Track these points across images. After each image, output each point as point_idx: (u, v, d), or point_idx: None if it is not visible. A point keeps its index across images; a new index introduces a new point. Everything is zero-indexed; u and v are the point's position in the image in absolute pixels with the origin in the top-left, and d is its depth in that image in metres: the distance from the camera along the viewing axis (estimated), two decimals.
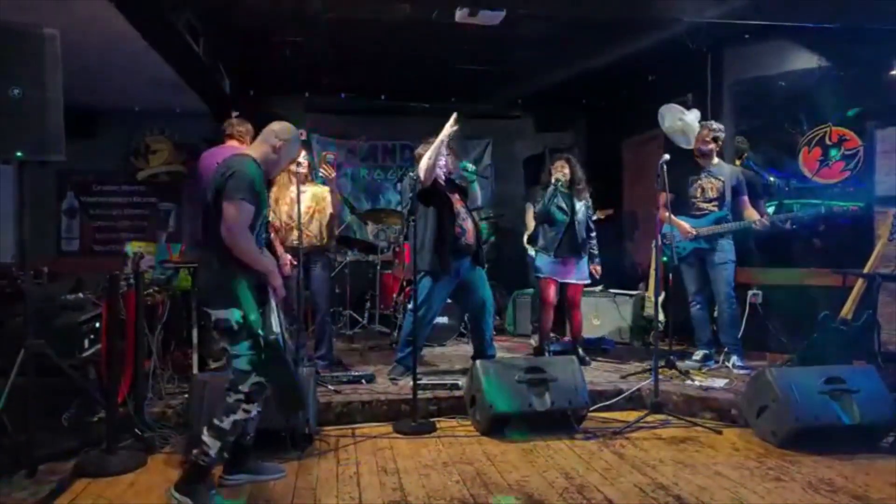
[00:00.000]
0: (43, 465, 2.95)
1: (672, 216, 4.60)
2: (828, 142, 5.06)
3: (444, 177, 4.38)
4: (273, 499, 2.74)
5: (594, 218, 4.98)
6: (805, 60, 5.20)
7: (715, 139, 4.74)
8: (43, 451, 2.99)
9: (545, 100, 7.55)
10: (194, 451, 2.60)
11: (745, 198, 4.74)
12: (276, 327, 2.67)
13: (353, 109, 7.56)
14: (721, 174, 4.76)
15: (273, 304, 2.73)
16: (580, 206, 4.79)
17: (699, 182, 4.80)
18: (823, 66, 5.11)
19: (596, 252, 4.87)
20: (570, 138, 7.92)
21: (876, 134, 4.84)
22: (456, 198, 4.42)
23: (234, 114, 4.87)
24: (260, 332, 2.57)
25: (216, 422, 2.60)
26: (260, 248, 2.73)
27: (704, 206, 4.77)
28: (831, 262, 4.75)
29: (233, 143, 4.43)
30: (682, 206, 4.80)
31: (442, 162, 4.29)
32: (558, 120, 7.92)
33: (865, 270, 4.32)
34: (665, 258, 4.80)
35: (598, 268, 4.89)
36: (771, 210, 5.15)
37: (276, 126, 2.81)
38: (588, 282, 4.95)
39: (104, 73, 5.63)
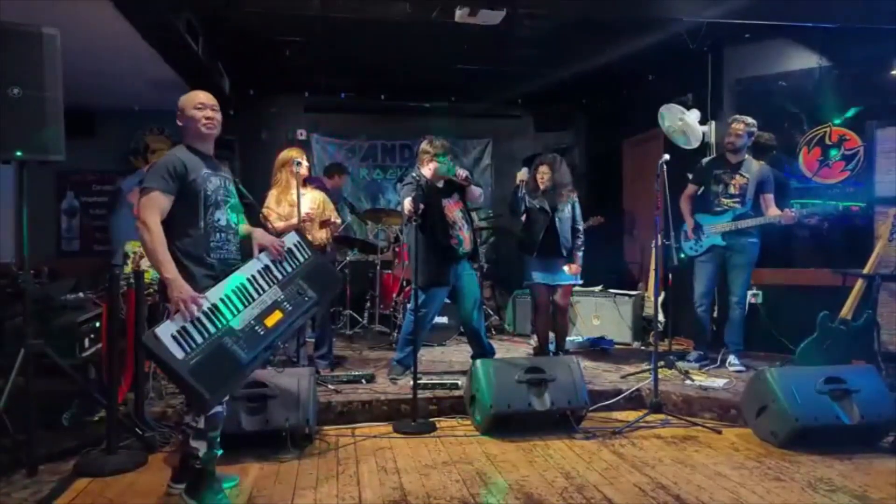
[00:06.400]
0: (43, 464, 2.96)
1: (687, 208, 4.60)
2: (828, 142, 5.07)
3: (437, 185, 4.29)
4: (273, 498, 2.74)
5: (586, 224, 4.89)
6: (805, 60, 5.21)
7: (749, 134, 4.60)
8: (43, 451, 3.00)
9: (545, 99, 7.56)
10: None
11: (771, 196, 4.58)
12: (162, 329, 2.31)
13: (352, 109, 7.57)
14: (748, 171, 4.61)
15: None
16: (564, 207, 4.65)
17: (723, 178, 4.68)
18: (823, 66, 5.12)
19: (579, 253, 4.69)
20: (569, 138, 7.93)
21: (876, 134, 4.84)
22: (451, 203, 4.31)
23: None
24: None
25: (193, 424, 2.57)
26: (218, 230, 2.66)
27: (726, 202, 4.65)
28: (831, 262, 4.75)
29: None
30: (704, 201, 4.76)
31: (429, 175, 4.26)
32: (558, 120, 7.92)
33: (865, 271, 4.33)
34: (683, 255, 4.77)
35: (574, 266, 4.65)
36: None
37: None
38: (577, 282, 4.83)
39: (104, 72, 5.62)
